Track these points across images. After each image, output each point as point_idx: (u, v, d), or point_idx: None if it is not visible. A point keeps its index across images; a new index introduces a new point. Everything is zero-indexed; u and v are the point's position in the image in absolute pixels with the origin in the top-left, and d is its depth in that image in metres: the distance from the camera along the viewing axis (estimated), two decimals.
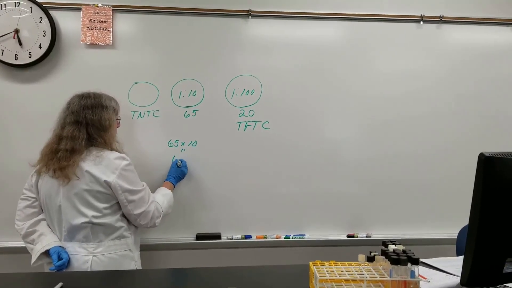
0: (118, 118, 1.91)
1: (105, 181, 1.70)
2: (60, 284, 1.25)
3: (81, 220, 1.70)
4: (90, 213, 1.70)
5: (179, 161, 2.14)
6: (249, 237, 2.23)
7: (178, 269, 1.66)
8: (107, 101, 1.82)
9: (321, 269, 1.21)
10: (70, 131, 1.71)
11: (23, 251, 1.91)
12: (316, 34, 2.24)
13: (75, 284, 1.32)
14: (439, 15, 2.26)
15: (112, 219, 1.75)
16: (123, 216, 1.82)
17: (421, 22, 2.28)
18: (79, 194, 1.70)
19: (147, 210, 1.81)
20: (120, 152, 1.80)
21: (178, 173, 2.12)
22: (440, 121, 2.29)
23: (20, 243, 2.00)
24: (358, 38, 2.26)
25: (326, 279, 1.14)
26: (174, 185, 2.10)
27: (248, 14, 2.19)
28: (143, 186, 1.83)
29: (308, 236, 2.25)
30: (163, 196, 1.96)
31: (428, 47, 2.28)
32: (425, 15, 2.26)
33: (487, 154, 0.99)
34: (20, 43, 2.06)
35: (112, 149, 1.79)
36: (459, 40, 2.30)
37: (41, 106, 2.10)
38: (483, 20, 2.29)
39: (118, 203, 1.78)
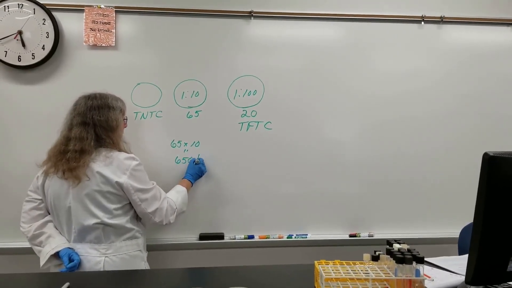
0: (125, 118, 1.92)
1: (116, 182, 1.70)
2: (67, 284, 1.26)
3: (92, 221, 1.70)
4: (101, 214, 1.71)
5: (196, 158, 2.16)
6: (252, 237, 2.24)
7: (184, 268, 1.67)
8: (114, 102, 1.83)
9: (326, 268, 1.22)
10: (78, 132, 1.72)
11: (24, 252, 1.92)
12: (317, 35, 2.25)
13: (82, 284, 1.32)
14: (440, 16, 2.28)
15: (123, 220, 1.76)
16: (134, 217, 1.83)
17: (422, 23, 2.29)
18: (90, 195, 1.70)
19: (160, 207, 1.83)
20: (128, 152, 1.81)
21: (195, 171, 2.13)
22: (442, 120, 2.30)
23: (21, 244, 2.02)
24: (359, 39, 2.27)
25: (332, 278, 1.15)
26: (192, 183, 2.11)
27: (250, 15, 2.20)
28: (153, 184, 1.84)
29: (311, 236, 2.26)
30: (177, 193, 1.98)
31: (429, 47, 2.29)
32: (426, 15, 2.27)
33: (491, 154, 0.99)
34: (24, 45, 2.07)
35: (120, 149, 1.79)
36: (460, 40, 2.31)
37: (44, 108, 2.11)
38: (484, 20, 2.30)
39: (129, 204, 1.79)
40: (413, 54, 2.29)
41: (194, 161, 2.15)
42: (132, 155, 1.80)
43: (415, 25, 2.29)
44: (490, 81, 2.32)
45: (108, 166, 1.71)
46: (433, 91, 2.30)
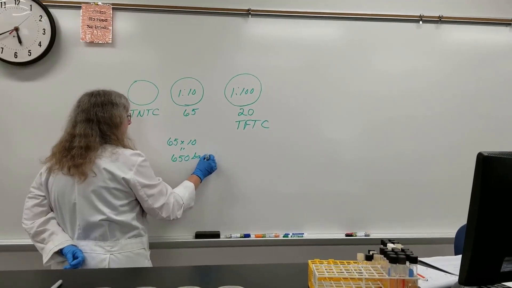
0: (129, 115, 1.92)
1: (123, 178, 1.70)
2: (59, 281, 1.25)
3: (98, 217, 1.70)
4: (107, 210, 1.71)
5: (207, 155, 2.16)
6: (248, 235, 2.24)
7: (181, 267, 1.67)
8: (117, 98, 1.83)
9: (320, 268, 1.21)
10: (82, 129, 1.71)
11: (25, 249, 1.92)
12: (315, 34, 2.24)
13: (75, 281, 1.32)
14: (438, 15, 2.27)
15: (129, 217, 1.76)
16: (140, 214, 1.83)
17: (421, 22, 2.28)
18: (96, 191, 1.70)
19: (167, 202, 1.83)
20: (133, 149, 1.81)
21: (205, 166, 2.13)
22: (439, 121, 2.30)
23: (23, 241, 2.02)
24: (357, 38, 2.26)
25: (325, 278, 1.15)
26: (201, 179, 2.11)
27: (247, 13, 2.19)
28: (159, 180, 1.85)
29: (307, 235, 2.25)
30: (184, 189, 1.99)
31: (427, 47, 2.29)
32: (424, 15, 2.26)
33: (485, 154, 0.99)
34: (20, 41, 2.06)
35: (124, 146, 1.80)
36: (458, 40, 2.30)
37: (41, 104, 2.11)
38: (482, 20, 2.30)
39: (135, 200, 1.79)
40: (411, 53, 2.28)
41: (205, 157, 2.16)
42: (137, 151, 1.80)
43: (413, 25, 2.28)
44: (489, 81, 2.32)
45: (114, 163, 1.71)
46: (430, 91, 2.29)
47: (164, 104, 2.18)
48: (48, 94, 2.11)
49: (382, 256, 1.17)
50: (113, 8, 2.14)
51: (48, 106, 2.10)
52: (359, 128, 2.28)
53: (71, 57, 2.13)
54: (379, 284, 1.14)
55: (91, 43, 2.13)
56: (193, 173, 2.12)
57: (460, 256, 1.05)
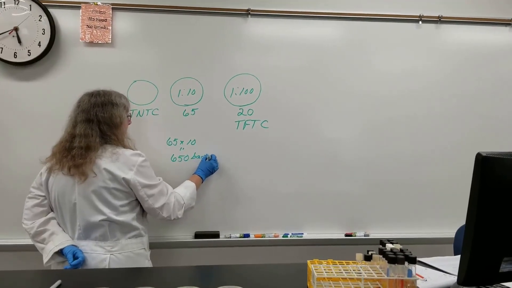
0: (129, 115, 1.92)
1: (123, 178, 1.70)
2: (58, 282, 1.25)
3: (99, 217, 1.70)
4: (108, 210, 1.71)
5: (209, 155, 2.16)
6: (247, 235, 2.24)
7: (180, 267, 1.67)
8: (117, 98, 1.83)
9: (319, 268, 1.21)
10: (83, 129, 1.71)
11: (26, 249, 1.92)
12: (315, 34, 2.24)
13: (74, 281, 1.32)
14: (438, 15, 2.27)
15: (129, 217, 1.76)
16: (140, 214, 1.83)
17: (420, 22, 2.28)
18: (96, 191, 1.70)
19: (168, 202, 1.83)
20: (133, 149, 1.81)
21: (207, 166, 2.14)
22: (439, 121, 2.30)
23: (23, 241, 2.02)
24: (357, 38, 2.26)
25: (324, 278, 1.15)
26: (202, 179, 2.11)
27: (247, 13, 2.19)
28: (159, 180, 1.85)
29: (306, 235, 2.25)
30: (185, 188, 1.99)
31: (427, 47, 2.28)
32: (424, 15, 2.26)
33: (484, 154, 0.99)
34: (19, 41, 2.06)
35: (124, 146, 1.80)
36: (458, 40, 2.30)
37: (40, 104, 2.11)
38: (482, 20, 2.30)
39: (135, 200, 1.79)
40: (411, 53, 2.28)
41: (206, 158, 2.16)
42: (138, 151, 1.80)
43: (413, 25, 2.28)
44: (489, 81, 2.32)
45: (114, 163, 1.72)
46: (430, 91, 2.29)
47: (164, 104, 2.18)
48: (48, 94, 2.11)
49: (381, 256, 1.17)
50: (112, 8, 2.14)
51: (48, 106, 2.10)
52: (359, 128, 2.28)
53: (70, 57, 2.13)
54: (377, 284, 1.14)
55: (91, 43, 2.14)
56: (194, 173, 2.12)
57: (459, 256, 1.05)
